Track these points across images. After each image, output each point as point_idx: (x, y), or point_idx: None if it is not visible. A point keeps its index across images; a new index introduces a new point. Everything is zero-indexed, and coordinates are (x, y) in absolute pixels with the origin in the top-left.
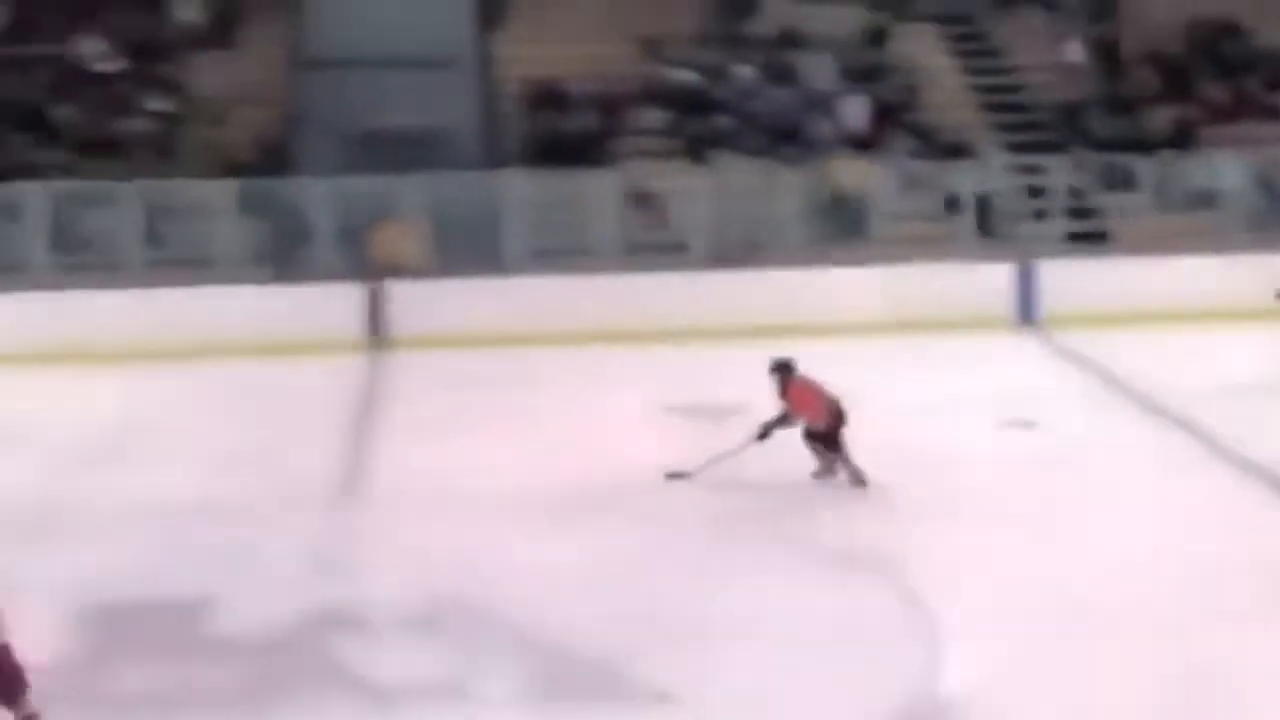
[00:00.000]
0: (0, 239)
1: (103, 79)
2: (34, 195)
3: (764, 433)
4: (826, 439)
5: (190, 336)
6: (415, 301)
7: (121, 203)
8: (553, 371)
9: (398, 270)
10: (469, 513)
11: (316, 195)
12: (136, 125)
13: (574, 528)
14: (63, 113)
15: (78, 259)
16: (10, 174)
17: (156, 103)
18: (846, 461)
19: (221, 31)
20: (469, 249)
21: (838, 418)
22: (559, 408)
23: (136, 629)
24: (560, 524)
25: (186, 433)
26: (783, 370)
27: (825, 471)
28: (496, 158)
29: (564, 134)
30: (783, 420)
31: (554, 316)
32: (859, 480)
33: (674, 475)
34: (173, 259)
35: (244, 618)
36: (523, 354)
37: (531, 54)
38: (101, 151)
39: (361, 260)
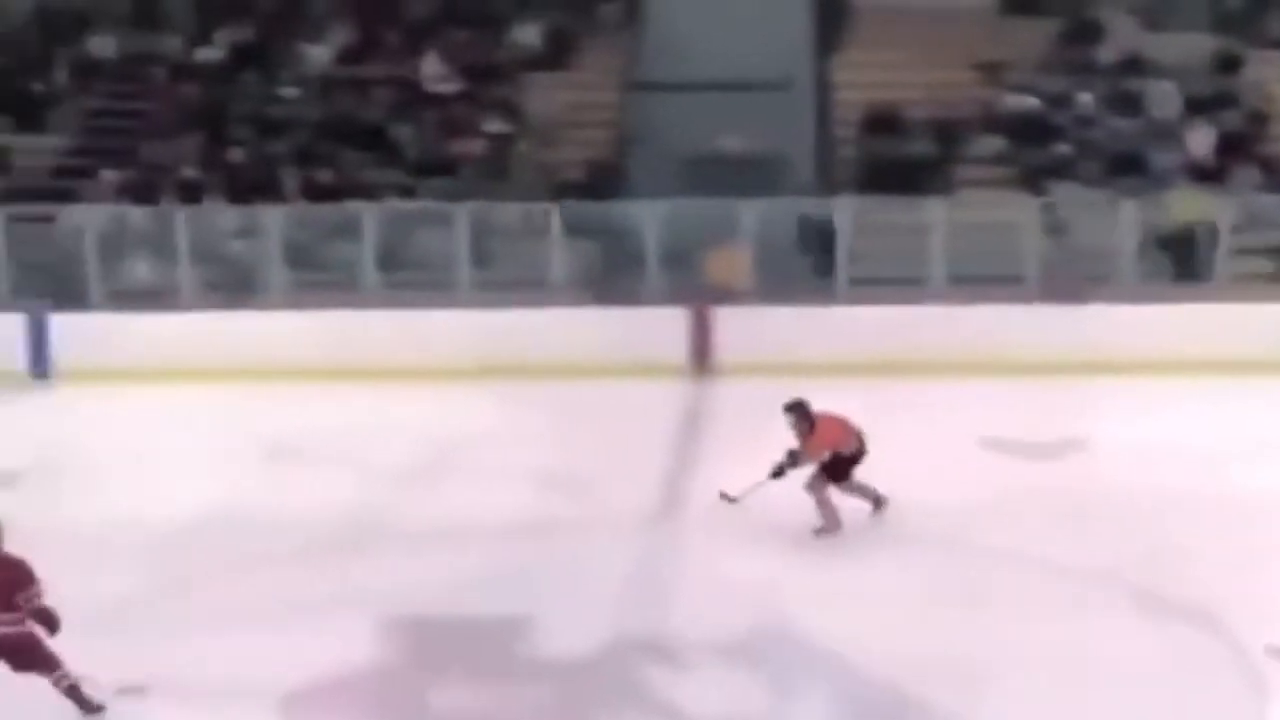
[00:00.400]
0: (334, 256)
1: (441, 100)
2: (369, 215)
3: (778, 471)
4: (846, 467)
5: (514, 356)
6: (741, 327)
7: (452, 223)
8: (878, 402)
9: (726, 295)
10: (784, 541)
11: (646, 218)
12: (472, 146)
13: (890, 558)
14: (401, 133)
15: (407, 277)
16: (348, 193)
17: (492, 124)
18: (860, 488)
19: (557, 54)
20: (798, 275)
21: (862, 445)
22: (879, 438)
23: (451, 645)
24: (877, 554)
25: (507, 452)
26: (798, 410)
27: (832, 526)
28: (829, 183)
29: (898, 160)
30: (795, 459)
31: (881, 345)
32: (879, 501)
33: (726, 497)
34: (500, 280)
35: (558, 639)
36: (850, 384)
37: (868, 78)
38: (437, 172)
39: (689, 285)
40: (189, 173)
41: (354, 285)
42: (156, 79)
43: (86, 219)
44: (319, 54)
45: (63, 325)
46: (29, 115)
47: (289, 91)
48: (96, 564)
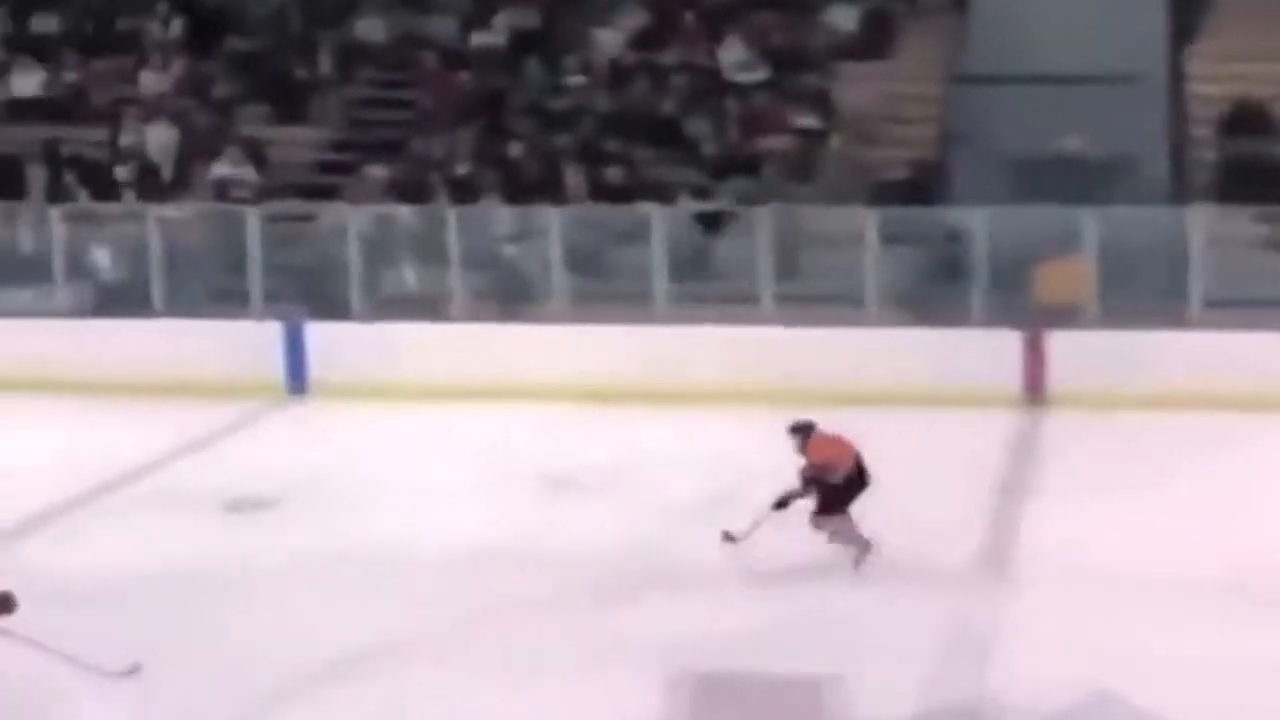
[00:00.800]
0: (621, 263)
1: (743, 91)
2: (658, 218)
3: (782, 502)
4: (845, 495)
5: (823, 380)
6: (1080, 353)
7: (752, 228)
8: (1242, 436)
9: (1063, 316)
10: (1124, 597)
11: (975, 226)
12: (777, 142)
13: (1250, 622)
14: (698, 127)
15: (702, 288)
16: (637, 193)
17: (801, 118)
18: (852, 532)
19: (875, 40)
20: (1147, 295)
21: (861, 471)
22: (1235, 479)
23: (743, 706)
24: (1231, 618)
25: None
26: (804, 431)
27: (862, 552)
28: (1183, 190)
29: (1264, 163)
30: (806, 487)
31: (1238, 376)
32: (866, 548)
33: (728, 538)
34: (807, 293)
35: (865, 703)
36: (1201, 418)
37: (1230, 70)
38: (738, 171)
39: (1021, 302)
40: (462, 169)
41: (643, 296)
42: (428, 66)
43: (349, 219)
44: (609, 39)
45: (322, 335)
46: (289, 104)
47: (575, 80)
48: (354, 598)
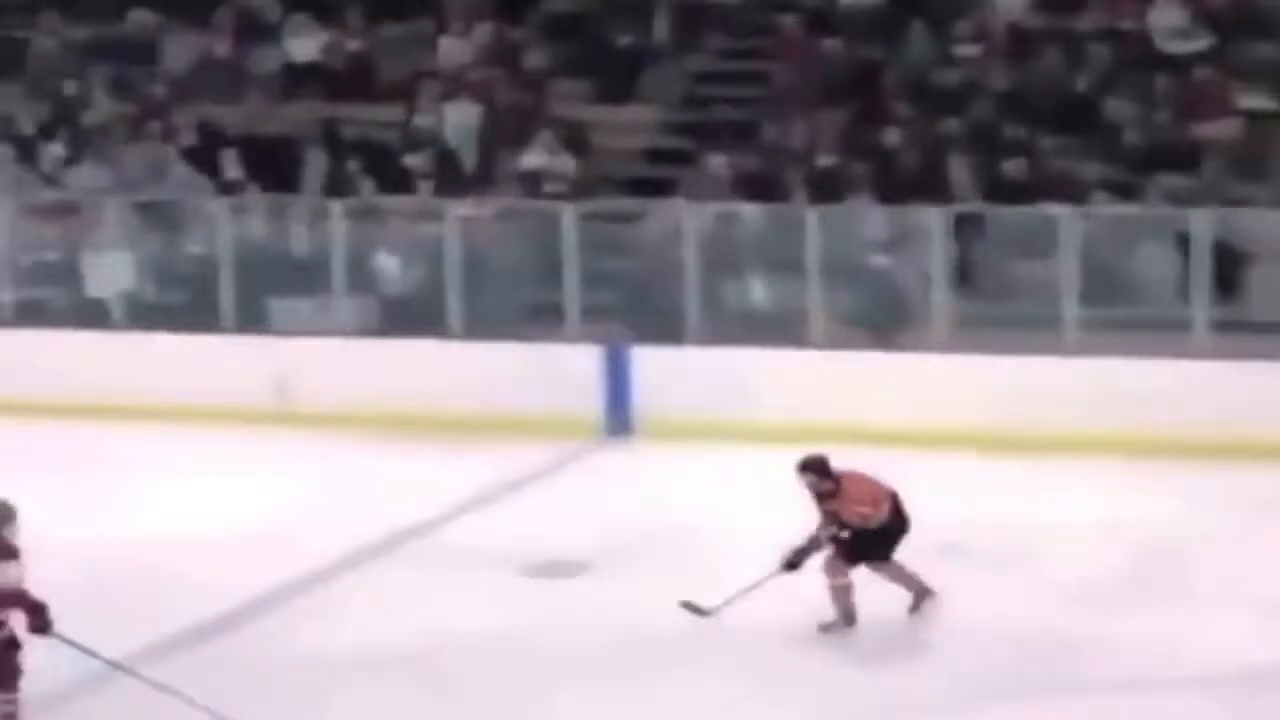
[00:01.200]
0: (1023, 279)
1: (1179, 64)
2: (1068, 222)
3: (793, 561)
4: (881, 542)
5: (1268, 427)
6: None
7: (1187, 236)
8: None
9: None
10: None
11: None
12: (1221, 128)
13: None
14: (1120, 110)
15: (1118, 313)
16: (1041, 191)
17: (1252, 97)
18: (904, 575)
19: None
20: None
21: (899, 515)
22: None
23: None
24: None
25: (1236, 564)
26: (817, 469)
27: (846, 620)
28: None
29: None
30: (830, 539)
31: None
32: (925, 592)
33: (690, 607)
34: (1253, 320)
35: None
36: None
37: None
38: (1170, 165)
39: None
40: (826, 160)
41: (1050, 320)
42: (788, 32)
43: (686, 219)
44: (1009, 1)
45: (650, 361)
46: (616, 80)
47: (967, 50)
48: (687, 671)
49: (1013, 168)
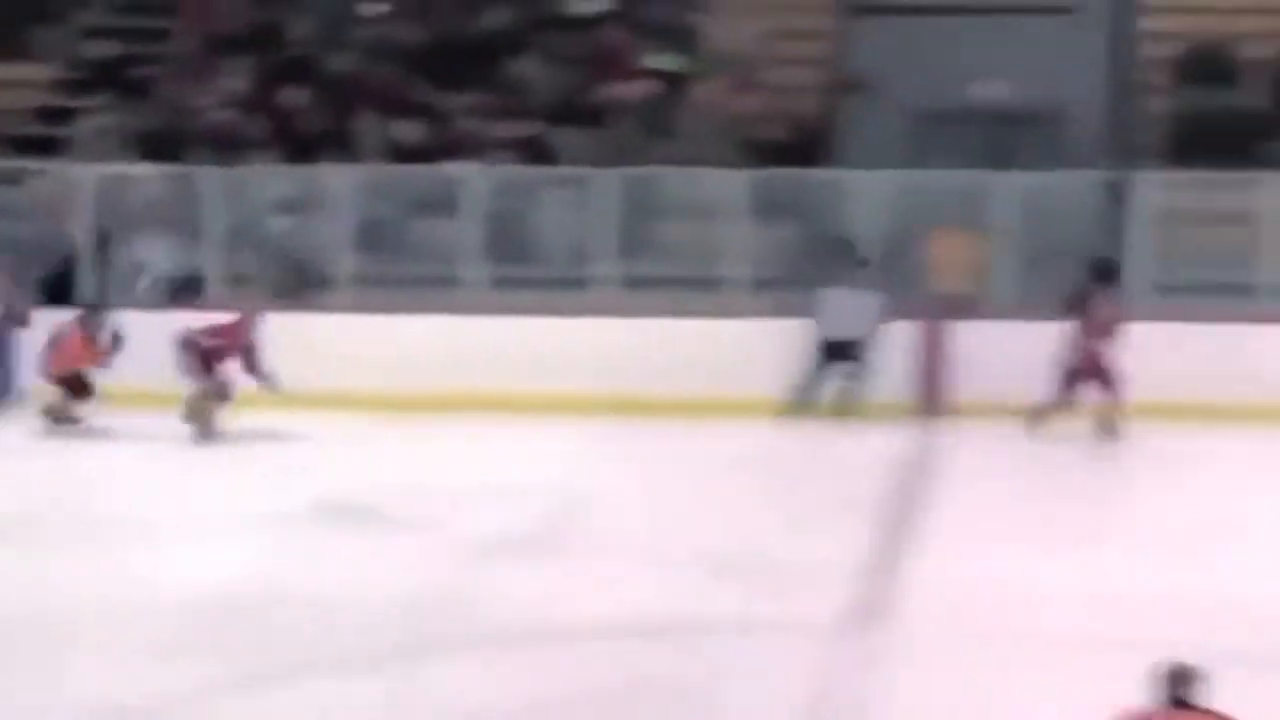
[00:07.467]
0: (429, 238)
1: (584, 23)
2: (473, 179)
3: None
4: None
5: (675, 384)
6: (986, 349)
7: (594, 194)
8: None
9: (960, 302)
10: (1032, 656)
11: (864, 192)
12: (628, 89)
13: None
14: (527, 68)
15: (527, 270)
16: (448, 151)
17: (658, 58)
18: None
19: None
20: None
21: None
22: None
23: None
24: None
25: (649, 519)
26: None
27: None
28: (1125, 149)
29: (1224, 117)
30: None
31: (1190, 375)
32: None
33: None
34: (658, 275)
35: None
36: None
37: (1186, 2)
38: (578, 123)
39: (918, 289)
40: (223, 117)
41: (452, 280)
42: None
43: (78, 180)
44: None
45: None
46: (5, 35)
47: (372, 8)
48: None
49: (415, 128)
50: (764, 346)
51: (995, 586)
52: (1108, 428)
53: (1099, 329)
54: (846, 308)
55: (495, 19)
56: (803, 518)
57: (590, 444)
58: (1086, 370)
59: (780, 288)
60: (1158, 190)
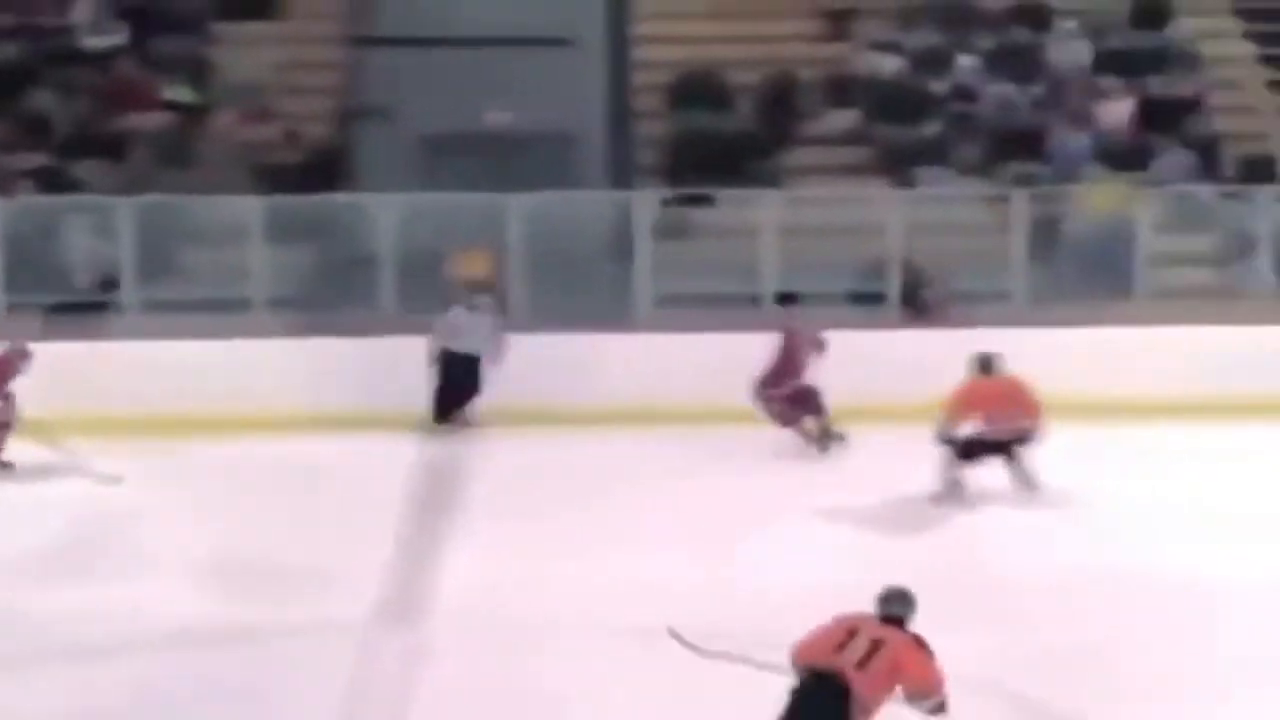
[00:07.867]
0: None
1: (98, 58)
2: None
3: None
4: None
5: (197, 404)
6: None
7: (115, 222)
8: (700, 454)
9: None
10: (550, 642)
11: (380, 216)
12: (145, 120)
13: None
14: (44, 100)
15: (44, 297)
16: None
17: (172, 90)
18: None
19: None
20: (583, 291)
21: None
22: (670, 504)
23: None
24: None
25: (180, 532)
26: None
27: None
28: (626, 169)
29: (717, 139)
30: None
31: (683, 385)
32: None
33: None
34: (178, 299)
35: None
36: (642, 435)
37: (679, 31)
38: (93, 153)
39: (436, 305)
40: None
41: None
42: None
43: None
44: None
45: None
46: None
47: None
48: None
49: None
50: (286, 364)
51: (530, 583)
52: (820, 441)
53: (806, 347)
54: (463, 325)
55: (5, 52)
56: (326, 526)
57: (128, 461)
58: (799, 392)
59: (299, 308)
60: (656, 207)
